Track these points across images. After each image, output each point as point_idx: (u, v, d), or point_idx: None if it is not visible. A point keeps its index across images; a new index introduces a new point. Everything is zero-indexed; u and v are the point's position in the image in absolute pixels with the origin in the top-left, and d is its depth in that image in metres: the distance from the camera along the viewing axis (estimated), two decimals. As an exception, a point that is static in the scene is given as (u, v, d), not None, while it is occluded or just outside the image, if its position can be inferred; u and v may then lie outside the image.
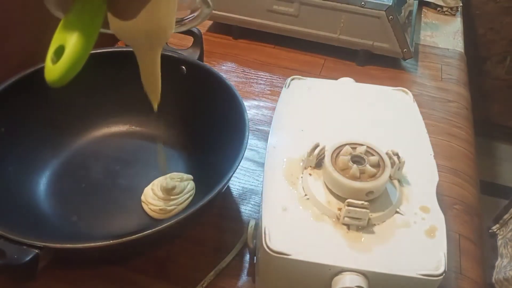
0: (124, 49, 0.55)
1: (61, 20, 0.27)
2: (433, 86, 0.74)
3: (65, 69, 0.25)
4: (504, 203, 1.12)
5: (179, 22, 0.40)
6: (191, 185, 0.49)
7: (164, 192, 0.47)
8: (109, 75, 0.54)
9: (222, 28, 0.81)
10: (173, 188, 0.47)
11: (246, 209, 0.51)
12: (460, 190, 0.56)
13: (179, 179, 0.49)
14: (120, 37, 0.35)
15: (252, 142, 0.60)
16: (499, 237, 1.03)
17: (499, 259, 0.96)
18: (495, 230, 1.05)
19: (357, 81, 0.51)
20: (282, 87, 0.49)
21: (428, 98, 0.71)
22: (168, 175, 0.49)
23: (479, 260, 0.49)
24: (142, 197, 0.48)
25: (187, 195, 0.48)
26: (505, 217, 1.04)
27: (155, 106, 0.41)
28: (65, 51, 0.25)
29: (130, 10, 0.29)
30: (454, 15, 0.96)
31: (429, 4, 0.97)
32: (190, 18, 0.40)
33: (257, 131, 0.62)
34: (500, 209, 1.07)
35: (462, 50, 0.85)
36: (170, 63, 0.53)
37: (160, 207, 0.46)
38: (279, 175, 0.38)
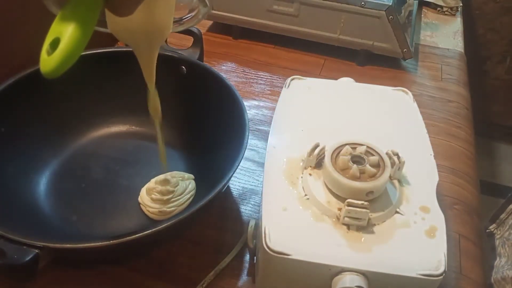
0: (124, 49, 0.55)
1: (58, 14, 0.27)
2: (433, 86, 0.74)
3: (60, 60, 0.25)
4: (504, 203, 1.12)
5: (177, 21, 0.40)
6: (192, 184, 0.49)
7: (162, 185, 0.47)
8: (109, 75, 0.54)
9: (222, 28, 0.81)
10: (171, 191, 0.47)
11: (246, 209, 0.51)
12: (460, 190, 0.56)
13: (180, 178, 0.49)
14: (118, 37, 0.35)
15: (252, 142, 0.60)
16: (497, 236, 1.02)
17: (497, 258, 0.96)
18: (492, 229, 1.05)
19: (357, 81, 0.51)
20: (282, 87, 0.49)
21: (428, 98, 0.71)
22: (168, 173, 0.49)
23: (479, 260, 0.49)
24: (139, 199, 0.48)
25: (188, 195, 0.48)
26: (501, 216, 1.04)
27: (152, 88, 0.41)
28: (61, 42, 0.25)
29: (127, 6, 0.29)
30: (454, 15, 0.96)
31: (429, 4, 0.97)
32: (188, 18, 0.40)
33: (257, 131, 0.62)
34: (497, 208, 1.07)
35: (462, 50, 0.85)
36: (170, 63, 0.53)
37: (160, 209, 0.46)
38: (279, 175, 0.38)
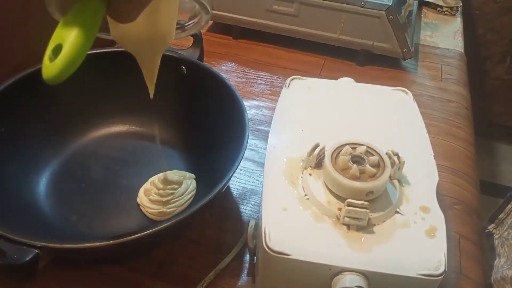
0: (124, 49, 0.54)
1: (61, 20, 0.27)
2: (433, 86, 0.74)
3: (62, 67, 0.25)
4: (504, 203, 1.12)
5: (180, 28, 0.40)
6: (193, 184, 0.49)
7: (163, 184, 0.47)
8: (109, 75, 0.54)
9: (222, 28, 0.81)
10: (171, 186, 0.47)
11: (246, 209, 0.51)
12: (460, 190, 0.56)
13: (182, 177, 0.49)
14: (121, 44, 0.35)
15: (252, 142, 0.60)
16: (496, 236, 1.02)
17: (497, 259, 0.96)
18: (491, 229, 1.05)
19: (357, 81, 0.51)
20: (282, 87, 0.49)
21: (428, 98, 0.71)
22: (169, 172, 0.49)
23: (479, 260, 0.49)
24: (138, 200, 0.48)
25: (189, 196, 0.48)
26: (500, 216, 1.04)
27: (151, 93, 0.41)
28: (63, 49, 0.25)
29: (129, 12, 0.29)
30: (454, 15, 0.96)
31: (429, 4, 0.97)
32: (191, 25, 0.40)
33: (257, 131, 0.62)
34: (495, 208, 1.07)
35: (462, 50, 0.85)
36: (170, 63, 0.53)
37: (159, 210, 0.46)
38: (279, 175, 0.38)
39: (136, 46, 0.36)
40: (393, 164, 0.37)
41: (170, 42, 0.37)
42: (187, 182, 0.48)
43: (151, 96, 0.41)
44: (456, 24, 0.93)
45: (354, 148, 0.37)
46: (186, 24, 0.40)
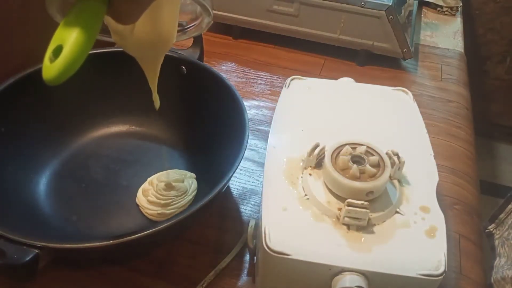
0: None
1: (61, 21, 0.27)
2: (433, 86, 0.74)
3: (62, 68, 0.25)
4: (504, 203, 1.12)
5: (181, 30, 0.40)
6: (194, 184, 0.49)
7: (165, 189, 0.47)
8: (109, 75, 0.54)
9: (222, 28, 0.81)
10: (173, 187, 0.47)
11: (246, 209, 0.51)
12: (460, 190, 0.56)
13: (182, 176, 0.49)
14: (123, 47, 0.35)
15: (252, 142, 0.60)
16: (496, 236, 1.02)
17: (497, 258, 0.96)
18: (492, 229, 1.05)
19: (357, 81, 0.51)
20: (282, 87, 0.49)
21: (428, 98, 0.71)
22: (170, 171, 0.49)
23: (479, 260, 0.49)
24: (137, 201, 0.48)
25: (190, 196, 0.48)
26: (500, 216, 1.04)
27: (156, 105, 0.42)
28: (63, 50, 0.25)
29: (130, 13, 0.29)
30: (454, 15, 0.96)
31: (429, 4, 0.97)
32: (192, 27, 0.40)
33: (257, 131, 0.62)
34: (496, 208, 1.07)
35: (462, 50, 0.85)
36: (170, 63, 0.53)
37: (159, 212, 0.46)
38: (279, 175, 0.38)
39: (137, 50, 0.36)
40: (393, 164, 0.37)
41: (172, 44, 0.37)
42: (189, 182, 0.48)
43: (157, 108, 0.42)
44: (456, 24, 0.93)
45: (354, 148, 0.37)
46: (187, 27, 0.40)
